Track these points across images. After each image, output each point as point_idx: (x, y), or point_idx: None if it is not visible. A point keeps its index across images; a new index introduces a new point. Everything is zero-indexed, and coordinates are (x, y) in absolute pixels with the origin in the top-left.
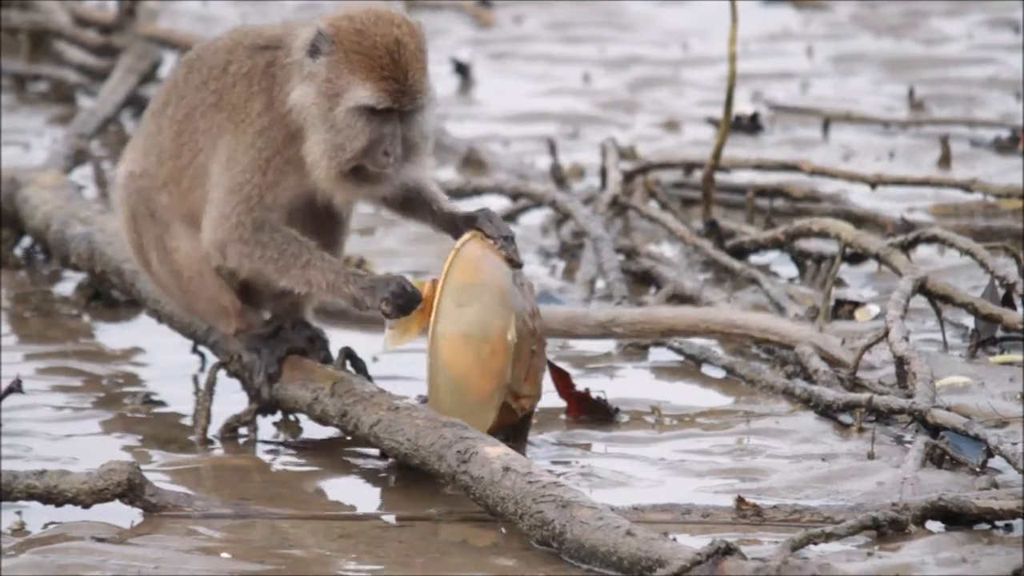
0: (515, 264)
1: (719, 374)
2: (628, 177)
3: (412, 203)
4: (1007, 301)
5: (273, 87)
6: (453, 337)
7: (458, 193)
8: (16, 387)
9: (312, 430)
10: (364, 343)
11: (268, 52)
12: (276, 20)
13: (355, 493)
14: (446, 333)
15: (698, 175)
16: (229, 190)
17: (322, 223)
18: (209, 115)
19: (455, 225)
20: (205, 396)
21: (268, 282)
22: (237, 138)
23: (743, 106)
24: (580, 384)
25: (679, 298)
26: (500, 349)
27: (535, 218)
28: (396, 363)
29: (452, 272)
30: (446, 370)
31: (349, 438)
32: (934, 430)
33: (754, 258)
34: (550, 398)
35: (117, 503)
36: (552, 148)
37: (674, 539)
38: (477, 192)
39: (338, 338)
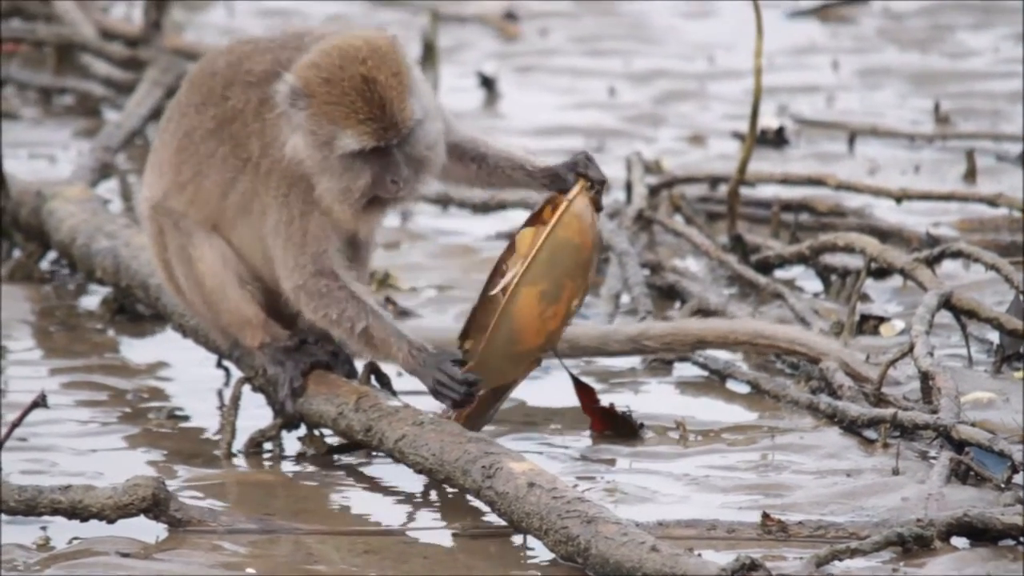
0: (598, 208)
1: (744, 389)
2: (653, 191)
3: (489, 172)
4: None
5: (265, 130)
6: (531, 289)
7: (483, 208)
8: (41, 402)
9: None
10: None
11: (259, 88)
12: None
13: (380, 508)
14: (529, 284)
15: (723, 189)
16: (274, 234)
17: (349, 244)
18: (209, 141)
19: (557, 175)
20: (230, 411)
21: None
22: (253, 181)
23: (769, 120)
24: (604, 399)
25: (704, 313)
26: (560, 313)
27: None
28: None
29: (559, 227)
30: (511, 318)
31: (374, 452)
32: (959, 446)
33: (779, 273)
34: (574, 413)
35: (142, 518)
36: None
37: (699, 555)
38: (502, 206)
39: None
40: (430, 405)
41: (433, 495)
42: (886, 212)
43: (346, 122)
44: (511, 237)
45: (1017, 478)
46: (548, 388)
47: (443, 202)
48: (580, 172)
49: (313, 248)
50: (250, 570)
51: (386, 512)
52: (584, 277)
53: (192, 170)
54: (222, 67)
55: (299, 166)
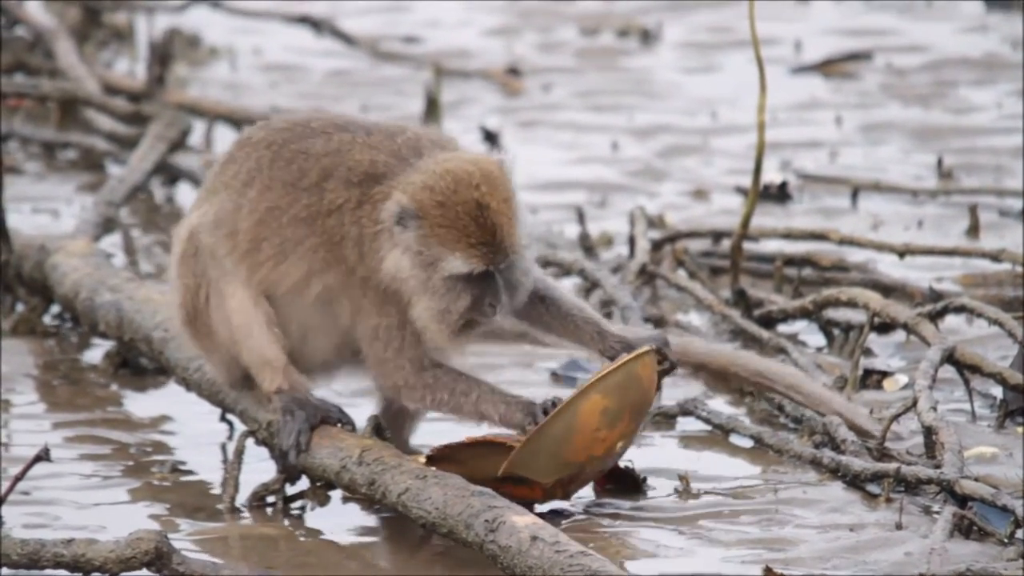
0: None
1: (747, 443)
2: (656, 246)
3: (556, 316)
4: None
5: (363, 237)
6: (599, 399)
7: None
8: (44, 455)
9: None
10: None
11: (359, 189)
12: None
13: (383, 561)
14: (599, 392)
15: (726, 244)
16: (371, 337)
17: None
18: (299, 228)
19: (630, 346)
20: (233, 464)
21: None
22: (344, 282)
23: (772, 175)
24: None
25: (707, 368)
26: (609, 441)
27: (563, 286)
28: (424, 432)
29: (637, 363)
30: (573, 415)
31: (377, 506)
32: (962, 500)
33: (782, 327)
34: None
35: (145, 572)
36: (580, 216)
37: None
38: None
39: (368, 407)
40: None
41: (436, 548)
42: (889, 267)
43: (457, 245)
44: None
45: (1020, 533)
46: None
47: None
48: (660, 348)
49: (411, 353)
50: None
51: (389, 565)
52: (636, 423)
53: (273, 249)
54: (318, 151)
55: (397, 283)
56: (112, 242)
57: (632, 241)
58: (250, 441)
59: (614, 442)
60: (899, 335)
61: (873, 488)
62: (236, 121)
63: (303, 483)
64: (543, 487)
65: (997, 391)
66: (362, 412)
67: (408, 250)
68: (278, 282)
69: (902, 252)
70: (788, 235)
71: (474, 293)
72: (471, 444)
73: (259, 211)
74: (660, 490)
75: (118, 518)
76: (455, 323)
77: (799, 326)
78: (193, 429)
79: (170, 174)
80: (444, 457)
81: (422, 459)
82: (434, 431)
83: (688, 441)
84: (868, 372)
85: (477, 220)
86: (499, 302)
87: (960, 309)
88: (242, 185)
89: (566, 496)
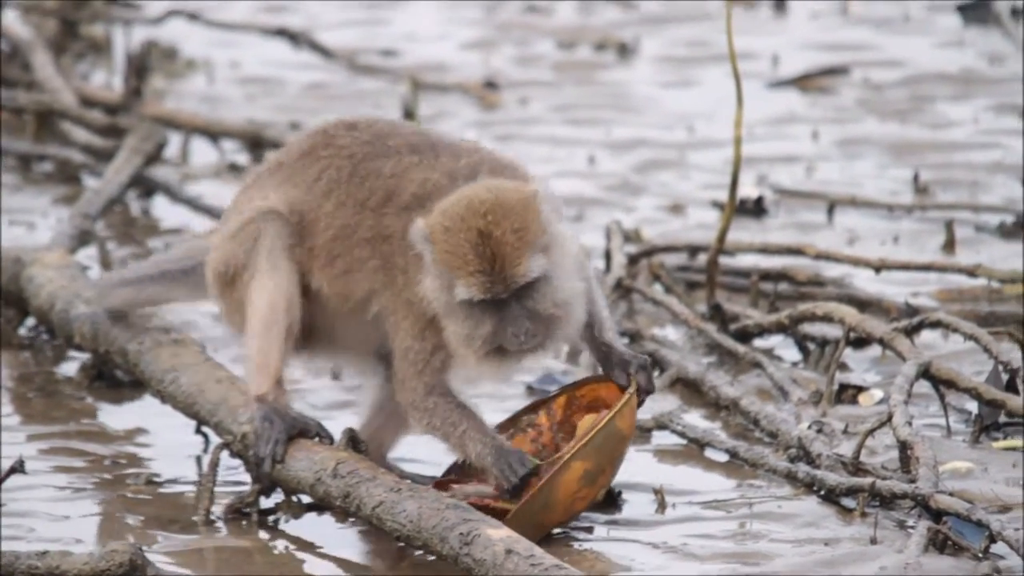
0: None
1: (722, 457)
2: (633, 260)
3: (591, 340)
4: (1010, 386)
5: (409, 264)
6: (579, 465)
7: None
8: (18, 467)
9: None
10: None
11: (407, 215)
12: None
13: (358, 574)
14: (580, 459)
15: (703, 258)
16: (401, 356)
17: None
18: (364, 248)
19: (626, 364)
20: (208, 477)
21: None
22: (394, 303)
23: (748, 189)
24: None
25: (683, 382)
26: (589, 497)
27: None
28: (398, 445)
29: (618, 416)
30: (554, 489)
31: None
32: (937, 515)
33: (758, 342)
34: None
35: None
36: None
37: None
38: None
39: (343, 420)
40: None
41: (411, 561)
42: (865, 282)
43: (457, 271)
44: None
45: (994, 548)
46: None
47: None
48: (637, 376)
49: (427, 378)
50: None
51: None
52: (615, 468)
53: (344, 267)
54: (386, 173)
55: (429, 305)
56: (88, 254)
57: (608, 255)
58: (225, 453)
59: (595, 495)
60: (875, 350)
61: (848, 502)
62: (212, 134)
63: (278, 495)
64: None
65: (972, 406)
66: (338, 424)
67: (430, 271)
68: (347, 296)
69: (878, 267)
70: (764, 250)
71: (494, 321)
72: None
73: (334, 227)
74: (635, 504)
75: (93, 530)
76: (480, 348)
77: (775, 340)
78: (168, 441)
79: (146, 187)
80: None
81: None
82: (413, 444)
83: (663, 455)
84: (843, 387)
85: (477, 248)
86: (521, 331)
87: (936, 324)
88: (321, 195)
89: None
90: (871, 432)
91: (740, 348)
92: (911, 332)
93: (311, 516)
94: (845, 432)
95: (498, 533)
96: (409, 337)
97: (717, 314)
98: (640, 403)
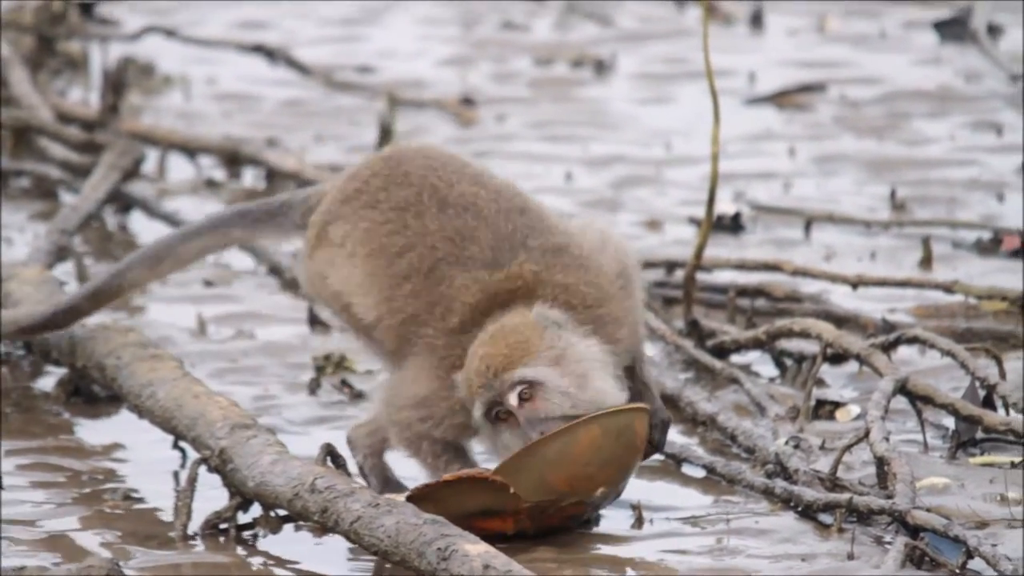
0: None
1: (699, 473)
2: None
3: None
4: (987, 402)
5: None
6: (598, 432)
7: None
8: None
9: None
10: (345, 440)
11: (454, 337)
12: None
13: None
14: (600, 426)
15: (680, 274)
16: (387, 381)
17: None
18: (424, 281)
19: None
20: (186, 492)
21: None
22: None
23: (725, 206)
24: None
25: (661, 398)
26: (593, 482)
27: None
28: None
29: (638, 420)
30: (570, 441)
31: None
32: (914, 531)
33: (735, 358)
34: None
35: None
36: None
37: None
38: None
39: (320, 435)
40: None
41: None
42: (842, 298)
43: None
44: None
45: (972, 564)
46: None
47: None
48: (653, 432)
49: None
50: None
51: None
52: (620, 476)
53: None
54: (457, 284)
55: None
56: (65, 270)
57: None
58: (203, 469)
59: (597, 486)
60: (852, 366)
61: (825, 518)
62: (190, 150)
63: (256, 510)
64: (515, 518)
65: (949, 422)
66: (315, 440)
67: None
68: (390, 313)
69: (855, 283)
70: (741, 266)
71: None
72: (450, 482)
73: (405, 312)
74: (612, 519)
75: (70, 545)
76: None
77: (752, 356)
78: (146, 456)
79: (123, 202)
80: (423, 497)
81: (402, 499)
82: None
83: (640, 471)
84: (820, 402)
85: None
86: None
87: (913, 340)
88: (402, 276)
89: (535, 530)
90: (848, 448)
91: (717, 364)
92: (888, 348)
93: (288, 531)
94: (822, 448)
95: (476, 549)
96: (422, 373)
97: (694, 330)
98: (645, 456)
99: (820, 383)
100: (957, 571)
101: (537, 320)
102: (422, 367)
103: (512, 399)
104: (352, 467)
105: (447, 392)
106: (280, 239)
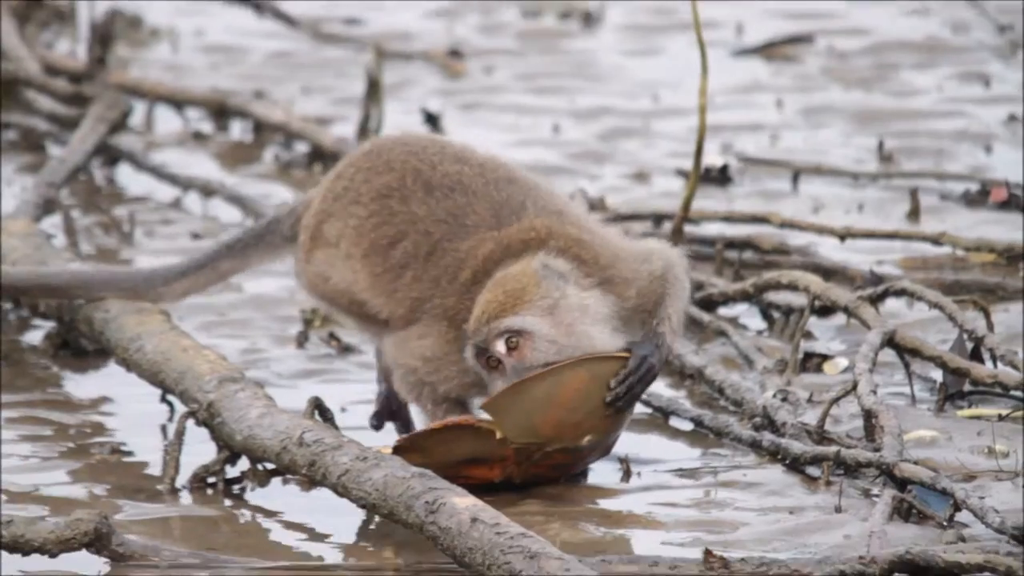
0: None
1: (687, 426)
2: None
3: None
4: (975, 355)
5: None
6: (587, 377)
7: None
8: None
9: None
10: (333, 394)
11: (466, 293)
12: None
13: (324, 542)
14: (588, 371)
15: (667, 226)
16: (396, 338)
17: None
18: (427, 267)
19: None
20: (174, 446)
21: None
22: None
23: (713, 158)
24: None
25: None
26: (579, 429)
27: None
28: (364, 414)
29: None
30: (559, 383)
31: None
32: (901, 484)
33: (723, 310)
34: None
35: (84, 553)
36: None
37: None
38: None
39: (307, 388)
40: (374, 441)
41: (377, 529)
42: (830, 250)
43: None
44: None
45: (959, 516)
46: None
47: None
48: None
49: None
50: None
51: (330, 546)
52: (606, 425)
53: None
54: (462, 250)
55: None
56: (53, 223)
57: None
58: (190, 422)
59: (584, 433)
60: (839, 318)
61: (813, 471)
62: (177, 102)
63: (243, 463)
64: (501, 465)
65: (937, 375)
66: (303, 394)
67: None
68: (395, 301)
69: (843, 235)
70: (729, 218)
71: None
72: (436, 430)
73: (410, 299)
74: (600, 472)
75: (58, 499)
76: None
77: (740, 309)
78: (133, 410)
79: (110, 155)
80: (409, 446)
81: (388, 450)
82: None
83: (628, 424)
84: (808, 355)
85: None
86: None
87: (900, 292)
88: (399, 266)
89: (522, 478)
90: (836, 401)
91: (705, 317)
92: (876, 300)
93: (276, 484)
94: (810, 401)
95: (464, 502)
96: (430, 337)
97: None
98: (609, 403)
99: (808, 336)
100: (944, 523)
101: (537, 269)
102: (431, 327)
103: (500, 347)
104: (339, 421)
105: (456, 356)
106: (272, 259)
